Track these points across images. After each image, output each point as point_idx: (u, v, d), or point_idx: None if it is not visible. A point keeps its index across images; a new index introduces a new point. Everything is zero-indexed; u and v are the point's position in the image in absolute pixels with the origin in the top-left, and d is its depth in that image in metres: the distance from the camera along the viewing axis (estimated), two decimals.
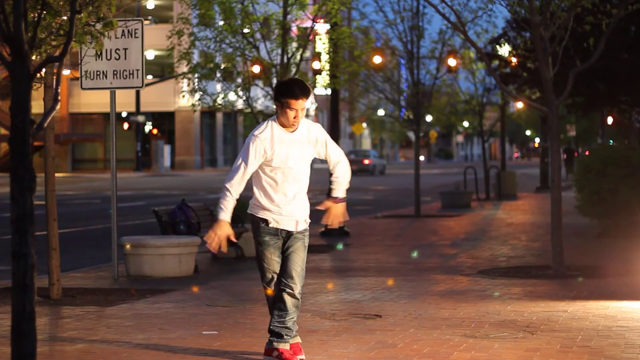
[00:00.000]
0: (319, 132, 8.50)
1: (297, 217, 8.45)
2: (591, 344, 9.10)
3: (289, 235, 8.46)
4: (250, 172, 8.34)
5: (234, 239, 8.43)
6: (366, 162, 74.62)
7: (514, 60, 26.02)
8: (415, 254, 17.44)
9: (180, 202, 16.28)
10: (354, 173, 78.74)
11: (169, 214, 16.08)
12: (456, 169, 72.83)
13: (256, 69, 19.15)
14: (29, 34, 5.73)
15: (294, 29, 19.18)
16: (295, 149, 8.39)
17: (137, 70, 14.14)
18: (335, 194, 8.54)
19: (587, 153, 22.43)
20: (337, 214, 8.53)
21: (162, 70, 69.77)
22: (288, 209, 8.42)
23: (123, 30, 14.04)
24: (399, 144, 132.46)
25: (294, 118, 8.33)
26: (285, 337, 8.47)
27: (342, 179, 8.55)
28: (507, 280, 13.71)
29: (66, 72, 54.62)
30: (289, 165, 8.37)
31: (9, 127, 5.51)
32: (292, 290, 8.45)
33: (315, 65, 23.21)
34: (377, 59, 28.48)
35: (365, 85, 29.53)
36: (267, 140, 8.34)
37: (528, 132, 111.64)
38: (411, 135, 64.34)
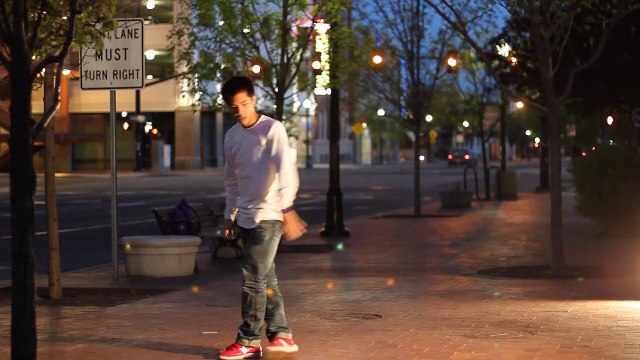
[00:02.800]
0: (276, 131, 8.52)
1: (252, 215, 8.62)
2: (591, 344, 9.10)
3: (249, 232, 8.67)
4: (229, 166, 8.80)
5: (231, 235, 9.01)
6: (466, 157, 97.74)
7: (514, 60, 26.01)
8: (411, 255, 17.44)
9: (180, 202, 16.29)
10: (456, 166, 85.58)
11: (169, 214, 16.08)
12: (456, 169, 72.96)
13: (256, 69, 19.13)
14: (29, 34, 5.73)
15: (294, 29, 19.17)
16: (247, 144, 8.60)
17: (137, 70, 14.14)
18: (280, 204, 8.52)
19: (592, 149, 22.45)
20: (288, 226, 8.51)
21: (162, 70, 69.71)
22: (247, 207, 8.64)
23: (123, 30, 14.04)
24: (399, 144, 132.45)
25: (235, 114, 8.54)
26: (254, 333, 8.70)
27: (285, 189, 8.48)
28: (507, 280, 13.71)
29: (66, 72, 54.60)
30: (241, 161, 8.61)
31: (9, 127, 5.51)
32: (244, 283, 8.71)
33: (316, 65, 23.18)
34: (377, 59, 28.44)
35: (365, 85, 29.52)
36: (229, 137, 8.76)
37: (528, 132, 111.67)
38: (411, 135, 64.40)
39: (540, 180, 43.20)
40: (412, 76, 27.06)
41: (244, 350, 8.66)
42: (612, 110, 41.83)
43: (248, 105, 8.54)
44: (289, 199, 8.50)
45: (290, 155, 8.59)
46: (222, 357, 8.64)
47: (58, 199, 13.15)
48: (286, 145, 8.57)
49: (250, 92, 8.62)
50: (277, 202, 8.55)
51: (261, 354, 8.74)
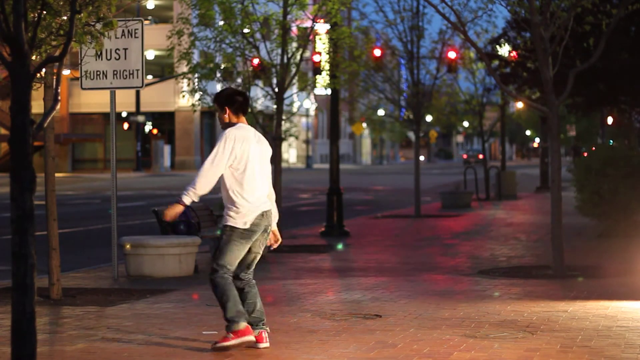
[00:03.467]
0: (220, 135, 9.10)
1: None
2: (591, 344, 9.10)
3: None
4: None
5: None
6: (480, 156, 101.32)
7: (514, 53, 26.02)
8: (411, 255, 17.45)
9: None
10: (470, 165, 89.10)
11: None
12: (457, 169, 73.01)
13: (255, 61, 18.98)
14: (29, 34, 5.73)
15: (294, 29, 19.16)
16: None
17: (137, 70, 14.14)
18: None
19: (593, 148, 22.44)
20: (168, 210, 9.30)
21: (162, 70, 69.69)
22: None
23: (123, 30, 14.04)
24: (399, 144, 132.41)
25: None
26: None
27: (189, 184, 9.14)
28: (507, 280, 13.71)
29: (66, 72, 54.59)
30: None
31: (9, 127, 5.51)
32: None
33: (316, 58, 23.15)
34: (377, 52, 28.32)
35: (365, 85, 29.51)
36: None
37: (528, 132, 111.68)
38: (411, 135, 64.44)
39: (540, 180, 43.21)
40: (412, 76, 27.05)
41: (230, 336, 8.89)
42: (612, 110, 41.83)
43: (219, 114, 9.21)
44: (184, 192, 9.09)
45: (218, 160, 8.92)
46: (216, 345, 8.91)
47: (58, 199, 13.15)
48: (218, 148, 8.94)
49: (219, 105, 9.18)
50: (234, 209, 8.94)
51: (251, 338, 8.92)
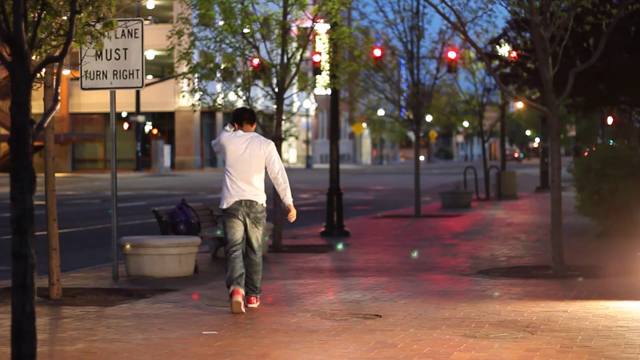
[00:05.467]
0: None
1: None
2: (591, 344, 9.10)
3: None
4: None
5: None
6: (516, 155, 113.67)
7: (514, 54, 26.01)
8: (415, 254, 17.45)
9: (180, 202, 16.28)
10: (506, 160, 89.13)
11: (169, 214, 16.07)
12: (456, 169, 72.99)
13: (255, 61, 18.97)
14: (29, 34, 5.74)
15: (294, 29, 19.16)
16: None
17: (137, 70, 14.14)
18: None
19: (593, 148, 22.41)
20: None
21: (162, 70, 69.69)
22: None
23: (123, 30, 14.04)
24: (399, 144, 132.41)
25: None
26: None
27: None
28: (507, 280, 13.72)
29: (66, 72, 54.58)
30: None
31: (9, 127, 5.51)
32: None
33: (316, 58, 23.13)
34: (377, 52, 28.28)
35: (365, 85, 29.49)
36: None
37: (528, 132, 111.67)
38: (411, 135, 64.43)
39: (540, 180, 43.21)
40: (412, 76, 27.04)
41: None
42: (612, 110, 41.84)
43: None
44: None
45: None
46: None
47: (58, 199, 13.15)
48: None
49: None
50: (221, 193, 11.30)
51: (235, 300, 10.94)
